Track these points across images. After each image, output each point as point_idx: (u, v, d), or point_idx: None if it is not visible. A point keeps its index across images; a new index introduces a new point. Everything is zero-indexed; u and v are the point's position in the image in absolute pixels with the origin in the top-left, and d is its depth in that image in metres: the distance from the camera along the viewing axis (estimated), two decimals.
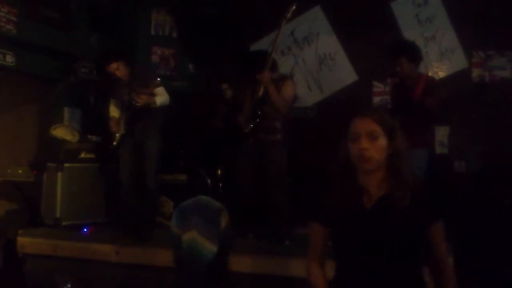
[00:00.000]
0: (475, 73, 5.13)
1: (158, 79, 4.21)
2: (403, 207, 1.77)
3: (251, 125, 4.27)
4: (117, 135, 4.42)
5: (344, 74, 5.56)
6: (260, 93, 4.22)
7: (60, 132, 4.93)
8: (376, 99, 5.45)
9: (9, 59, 4.53)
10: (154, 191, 4.40)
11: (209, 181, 5.04)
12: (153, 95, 4.19)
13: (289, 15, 4.25)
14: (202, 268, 1.51)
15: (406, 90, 4.05)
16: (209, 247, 1.51)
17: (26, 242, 4.25)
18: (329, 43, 5.62)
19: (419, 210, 1.78)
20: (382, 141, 1.81)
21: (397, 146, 1.82)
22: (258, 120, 4.23)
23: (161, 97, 4.26)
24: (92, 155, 4.96)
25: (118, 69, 4.32)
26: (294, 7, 4.22)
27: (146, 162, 4.33)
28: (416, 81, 4.01)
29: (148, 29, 5.92)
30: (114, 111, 4.53)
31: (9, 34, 4.50)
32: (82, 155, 4.93)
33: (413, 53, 4.09)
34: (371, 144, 1.80)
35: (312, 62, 5.72)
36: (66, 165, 4.73)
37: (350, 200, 1.84)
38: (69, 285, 4.01)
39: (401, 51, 4.09)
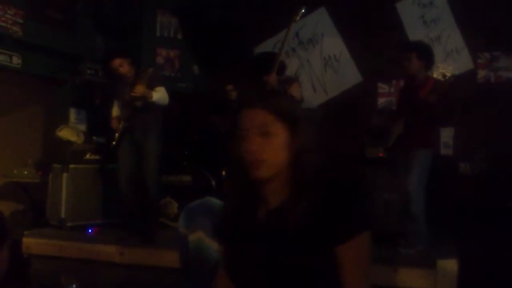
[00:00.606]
0: (481, 74, 5.11)
1: (151, 68, 4.24)
2: (300, 221, 1.34)
3: None
4: (116, 134, 4.44)
5: (348, 75, 5.55)
6: None
7: (65, 133, 4.95)
8: (381, 100, 5.44)
9: (15, 60, 4.56)
10: (155, 192, 4.39)
11: (213, 182, 5.05)
12: (151, 87, 4.20)
13: (298, 18, 4.25)
14: (209, 269, 1.51)
15: (412, 91, 4.04)
16: (216, 248, 1.52)
17: (31, 243, 4.27)
18: (333, 44, 5.61)
19: (322, 226, 1.33)
20: (281, 138, 1.38)
21: (302, 142, 1.39)
22: None
23: (159, 93, 4.26)
24: (97, 156, 4.98)
25: (121, 65, 4.35)
26: (303, 10, 4.22)
27: (146, 162, 4.33)
28: (424, 83, 3.99)
29: (153, 31, 5.94)
30: (116, 112, 4.55)
31: (15, 35, 4.53)
32: (88, 156, 4.94)
33: (424, 51, 4.07)
34: (264, 143, 1.36)
35: (317, 63, 5.72)
36: (71, 166, 4.74)
37: (244, 212, 1.46)
38: (74, 286, 4.02)
39: (413, 47, 4.12)
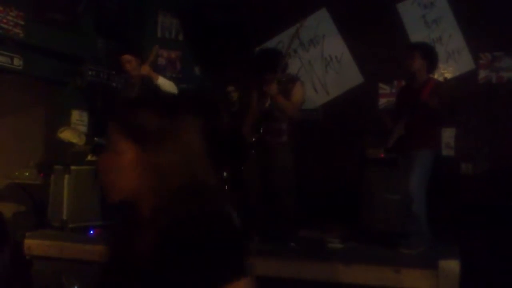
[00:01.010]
0: (482, 74, 5.10)
1: (157, 45, 4.36)
2: (148, 259, 1.11)
3: (254, 139, 4.30)
4: None
5: (350, 76, 5.55)
6: (267, 104, 4.20)
7: (67, 135, 4.95)
8: (382, 101, 5.43)
9: (17, 62, 4.56)
10: None
11: None
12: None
13: (300, 30, 4.31)
14: None
15: (413, 92, 4.02)
16: None
17: (33, 244, 4.27)
18: (335, 45, 5.62)
19: (175, 271, 1.07)
20: (128, 156, 1.18)
21: (157, 161, 1.16)
22: (260, 135, 4.25)
23: (165, 81, 4.32)
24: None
25: (129, 62, 4.44)
26: (305, 23, 4.29)
27: None
28: (424, 85, 3.97)
29: (155, 32, 5.95)
30: None
31: (16, 37, 4.53)
32: (89, 157, 4.94)
33: (428, 52, 4.08)
34: (112, 161, 1.20)
35: (318, 64, 5.72)
36: (73, 167, 4.74)
37: (127, 235, 1.26)
38: (75, 287, 4.02)
39: (418, 45, 4.14)
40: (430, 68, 4.09)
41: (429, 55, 4.06)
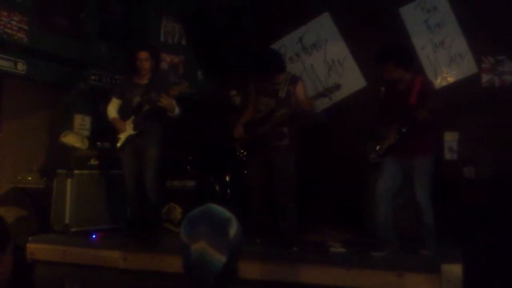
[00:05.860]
0: (485, 78, 5.09)
1: (187, 83, 4.25)
2: None
3: (243, 157, 4.33)
4: (121, 136, 4.39)
5: (352, 80, 5.55)
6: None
7: (70, 139, 4.96)
8: None
9: (20, 67, 4.58)
10: (155, 197, 4.35)
11: (217, 187, 5.05)
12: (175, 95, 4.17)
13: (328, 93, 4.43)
14: (212, 278, 1.51)
15: (400, 95, 3.89)
16: (218, 257, 1.51)
17: (36, 249, 4.28)
18: (337, 49, 5.61)
19: None
20: None
21: None
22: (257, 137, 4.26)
23: (178, 112, 4.25)
24: (101, 162, 4.98)
25: (146, 60, 4.30)
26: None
27: (146, 168, 4.31)
28: (410, 85, 3.84)
29: (158, 37, 5.96)
30: (113, 112, 4.51)
31: (20, 42, 4.56)
32: (92, 162, 4.95)
33: (399, 57, 3.87)
34: None
35: (321, 68, 5.71)
36: (75, 172, 4.75)
37: None
38: None
39: (387, 57, 3.89)
40: (408, 68, 3.89)
41: (401, 58, 3.86)
